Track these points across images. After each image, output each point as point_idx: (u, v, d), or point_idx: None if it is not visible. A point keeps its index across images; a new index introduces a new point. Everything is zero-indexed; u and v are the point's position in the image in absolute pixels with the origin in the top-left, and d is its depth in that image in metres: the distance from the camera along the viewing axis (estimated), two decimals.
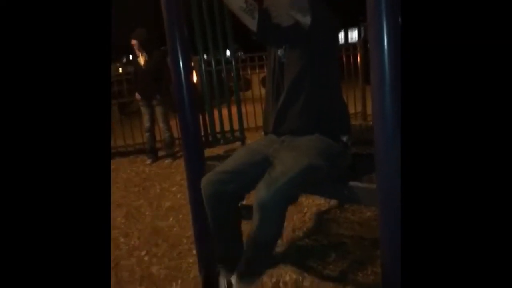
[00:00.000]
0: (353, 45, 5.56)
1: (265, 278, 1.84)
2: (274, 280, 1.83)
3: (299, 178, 1.39)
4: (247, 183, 1.61)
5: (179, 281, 1.95)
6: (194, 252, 2.12)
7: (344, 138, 1.63)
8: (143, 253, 2.33)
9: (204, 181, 1.63)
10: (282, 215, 1.44)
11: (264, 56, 4.94)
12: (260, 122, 5.88)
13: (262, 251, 1.49)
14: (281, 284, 1.80)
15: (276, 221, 1.43)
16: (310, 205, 2.72)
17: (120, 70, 5.83)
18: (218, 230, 1.69)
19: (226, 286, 1.68)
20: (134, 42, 4.24)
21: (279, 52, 1.67)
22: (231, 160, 1.67)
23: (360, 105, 5.44)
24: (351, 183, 1.51)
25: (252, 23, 1.65)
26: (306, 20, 1.52)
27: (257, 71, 5.64)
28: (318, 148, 1.52)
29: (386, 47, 1.15)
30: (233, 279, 1.57)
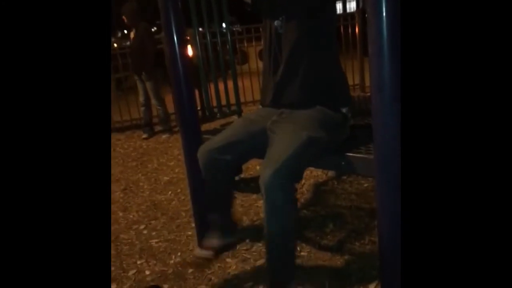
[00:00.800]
0: (351, 14, 5.45)
1: (264, 249, 1.87)
2: None
3: (299, 154, 1.37)
4: (243, 153, 1.61)
5: (179, 254, 1.98)
6: (193, 225, 2.14)
7: (344, 110, 1.61)
8: (142, 226, 2.36)
9: (200, 150, 1.63)
10: (290, 196, 1.38)
11: (260, 28, 4.84)
12: (257, 96, 5.84)
13: (280, 247, 1.40)
14: None
15: (285, 204, 1.35)
16: (308, 176, 2.74)
17: (115, 45, 5.72)
18: (212, 197, 1.70)
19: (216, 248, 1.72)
20: (124, 18, 4.18)
21: (276, 23, 1.62)
22: (228, 130, 1.66)
23: (359, 77, 5.39)
24: (349, 153, 1.51)
25: None
26: None
27: (253, 43, 5.55)
28: (317, 119, 1.50)
29: (384, 15, 1.13)
30: None
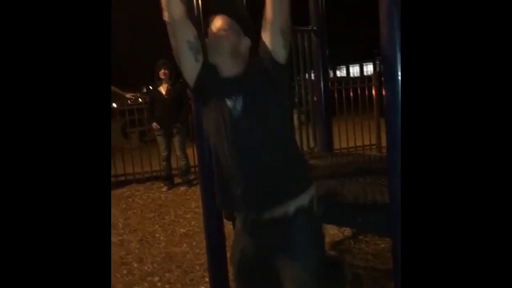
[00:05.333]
0: (368, 77, 5.63)
1: None
2: None
3: (316, 263, 1.30)
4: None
5: None
6: (207, 279, 2.12)
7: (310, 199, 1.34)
8: (156, 279, 2.35)
9: None
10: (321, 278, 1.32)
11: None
12: None
13: None
14: None
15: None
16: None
17: (140, 99, 5.99)
18: None
19: None
20: (165, 71, 4.38)
21: (228, 103, 1.29)
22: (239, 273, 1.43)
23: (375, 137, 5.44)
24: (366, 211, 1.52)
25: (192, 67, 1.33)
26: (282, 54, 1.29)
27: None
28: (309, 233, 1.33)
29: (400, 79, 1.20)
30: None
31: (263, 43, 1.28)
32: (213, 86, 1.32)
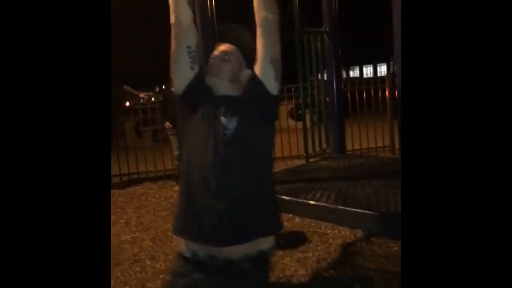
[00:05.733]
0: (382, 78, 5.59)
1: None
2: None
3: None
4: None
5: None
6: None
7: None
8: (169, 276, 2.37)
9: None
10: None
11: (292, 88, 5.04)
12: (285, 151, 5.87)
13: None
14: None
15: None
16: (336, 236, 2.70)
17: (153, 99, 6.06)
18: None
19: None
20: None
21: (222, 120, 1.26)
22: None
23: (389, 138, 5.41)
24: (378, 212, 1.52)
25: (185, 74, 1.32)
26: (275, 86, 1.30)
27: (285, 102, 5.73)
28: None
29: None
30: None
31: (255, 74, 1.30)
32: (205, 99, 1.31)
